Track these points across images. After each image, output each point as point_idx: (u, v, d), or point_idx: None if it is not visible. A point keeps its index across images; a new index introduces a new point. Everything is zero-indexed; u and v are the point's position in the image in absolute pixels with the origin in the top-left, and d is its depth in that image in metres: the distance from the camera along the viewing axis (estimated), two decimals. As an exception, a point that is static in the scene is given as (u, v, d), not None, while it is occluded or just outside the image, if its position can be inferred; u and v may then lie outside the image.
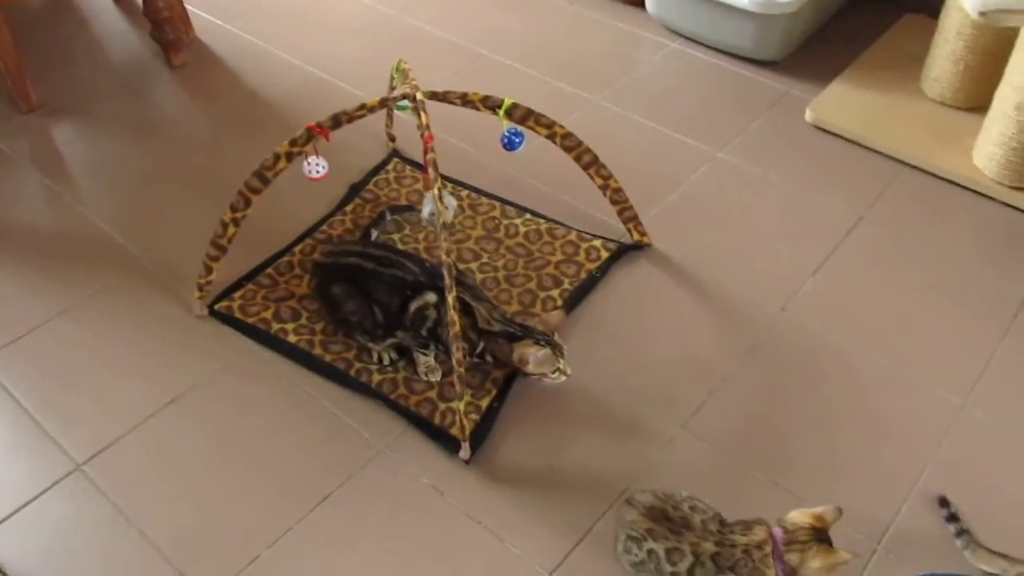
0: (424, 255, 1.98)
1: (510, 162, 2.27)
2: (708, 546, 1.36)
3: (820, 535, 1.33)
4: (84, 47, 2.78)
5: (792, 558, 1.31)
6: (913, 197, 2.20)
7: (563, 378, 1.67)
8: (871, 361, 1.82)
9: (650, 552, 1.39)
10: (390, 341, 1.77)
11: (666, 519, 1.41)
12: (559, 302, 1.91)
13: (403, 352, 1.80)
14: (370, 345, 1.80)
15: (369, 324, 1.76)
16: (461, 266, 1.99)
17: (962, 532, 1.50)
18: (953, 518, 1.53)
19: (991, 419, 1.72)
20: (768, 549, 1.34)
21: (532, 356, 1.62)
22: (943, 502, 1.56)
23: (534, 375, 1.65)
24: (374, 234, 2.01)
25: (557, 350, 1.65)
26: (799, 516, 1.35)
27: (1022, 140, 2.08)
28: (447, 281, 1.54)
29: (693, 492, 1.58)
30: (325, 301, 1.84)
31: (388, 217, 2.07)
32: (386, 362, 1.80)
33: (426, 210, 1.78)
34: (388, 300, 1.73)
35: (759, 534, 1.36)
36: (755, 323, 1.90)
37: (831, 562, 1.30)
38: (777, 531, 1.35)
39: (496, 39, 2.76)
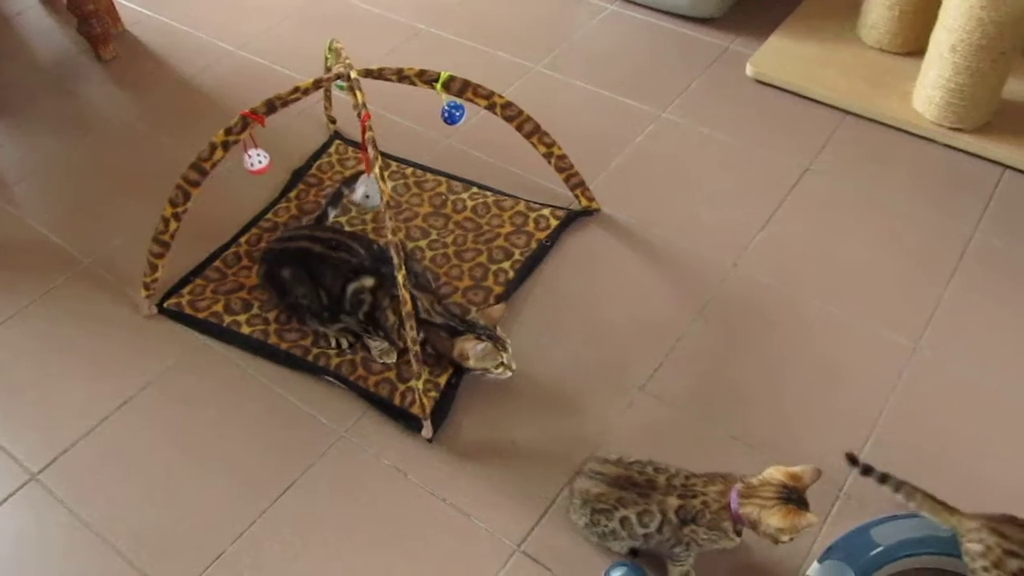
0: (372, 236, 1.96)
1: (454, 136, 2.25)
2: (672, 501, 1.37)
3: (790, 493, 1.31)
4: (8, 46, 2.70)
5: (750, 512, 1.32)
6: (856, 145, 2.22)
7: (508, 373, 1.66)
8: (823, 310, 1.84)
9: (623, 520, 1.39)
10: (339, 325, 1.76)
11: (633, 485, 1.41)
12: (511, 274, 1.90)
13: (359, 336, 1.79)
14: (324, 330, 1.78)
15: (316, 307, 1.74)
16: (410, 244, 1.97)
17: (900, 485, 1.43)
18: (881, 477, 1.43)
19: (942, 360, 1.75)
20: (725, 501, 1.35)
21: (473, 350, 1.61)
22: (852, 460, 1.44)
23: (476, 370, 1.64)
24: (332, 213, 1.98)
25: (499, 344, 1.64)
26: (773, 472, 1.34)
27: (959, 82, 2.10)
28: (395, 260, 1.53)
29: (655, 454, 1.59)
30: (275, 286, 1.81)
31: (344, 192, 2.04)
32: (344, 346, 1.78)
33: (359, 192, 1.76)
34: (332, 284, 1.72)
35: (719, 486, 1.37)
36: (707, 281, 1.91)
37: (792, 523, 1.28)
38: (737, 486, 1.35)
39: (433, 13, 2.72)
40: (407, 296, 1.53)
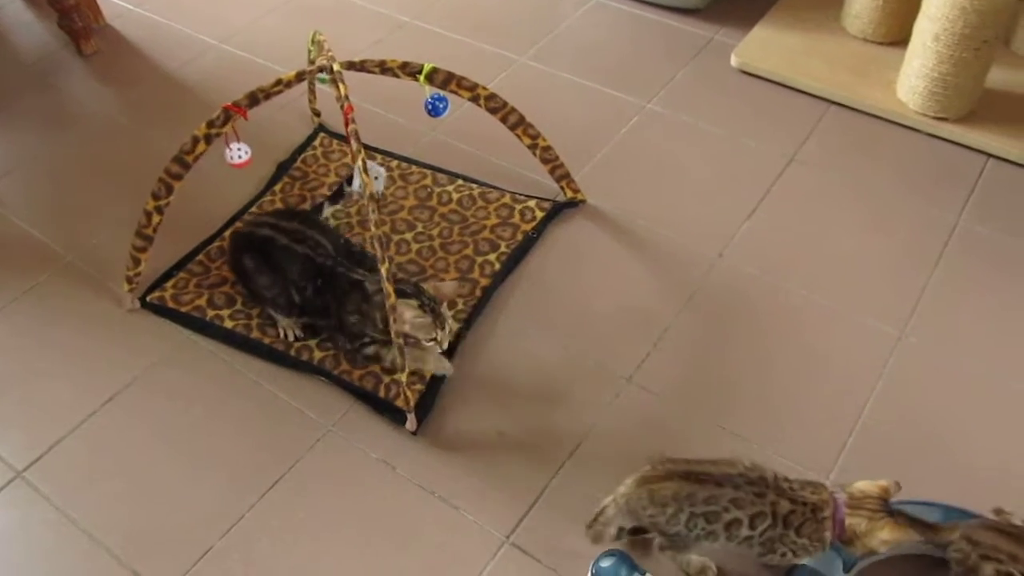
0: (358, 228, 1.96)
1: (439, 128, 2.24)
2: (785, 504, 1.31)
3: (887, 507, 1.30)
4: (-11, 41, 2.68)
5: (856, 523, 1.29)
6: (841, 134, 2.22)
7: (439, 349, 1.66)
8: (809, 299, 1.84)
9: (731, 523, 1.32)
10: (302, 320, 1.77)
11: (749, 483, 1.34)
12: (497, 266, 1.89)
13: (309, 329, 1.78)
14: (277, 317, 1.78)
15: (283, 302, 1.75)
16: (395, 237, 1.96)
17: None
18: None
19: (928, 348, 1.75)
20: (829, 512, 1.31)
21: (410, 318, 1.58)
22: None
23: (409, 337, 1.61)
24: (327, 209, 1.96)
25: (438, 321, 1.63)
26: (867, 485, 1.32)
27: (942, 71, 2.11)
28: (379, 254, 1.52)
29: (643, 444, 1.60)
30: (237, 272, 1.82)
31: (347, 190, 2.03)
32: (291, 338, 1.78)
33: (356, 183, 1.76)
34: (303, 284, 1.72)
35: (823, 495, 1.33)
36: (694, 271, 1.91)
37: (899, 536, 1.28)
38: (840, 496, 1.32)
39: (418, 5, 2.71)
40: (390, 289, 1.53)
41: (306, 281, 1.72)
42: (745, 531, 1.33)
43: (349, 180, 2.04)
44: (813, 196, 2.06)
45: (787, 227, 1.99)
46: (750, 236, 1.97)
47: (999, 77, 2.25)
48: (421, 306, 1.62)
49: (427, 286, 1.68)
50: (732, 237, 1.97)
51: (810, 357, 1.75)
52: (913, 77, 2.18)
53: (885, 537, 1.29)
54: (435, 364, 1.68)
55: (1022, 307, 1.82)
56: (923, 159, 2.16)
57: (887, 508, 1.31)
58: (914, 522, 1.35)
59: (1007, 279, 1.87)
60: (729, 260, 1.93)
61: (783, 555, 1.34)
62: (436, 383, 1.70)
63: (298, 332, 1.78)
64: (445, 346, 1.67)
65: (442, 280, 1.85)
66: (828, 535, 1.31)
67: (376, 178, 1.85)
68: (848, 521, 1.30)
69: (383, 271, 1.52)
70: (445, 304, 1.68)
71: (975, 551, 1.32)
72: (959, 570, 1.34)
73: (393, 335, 1.55)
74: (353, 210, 2.02)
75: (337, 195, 1.99)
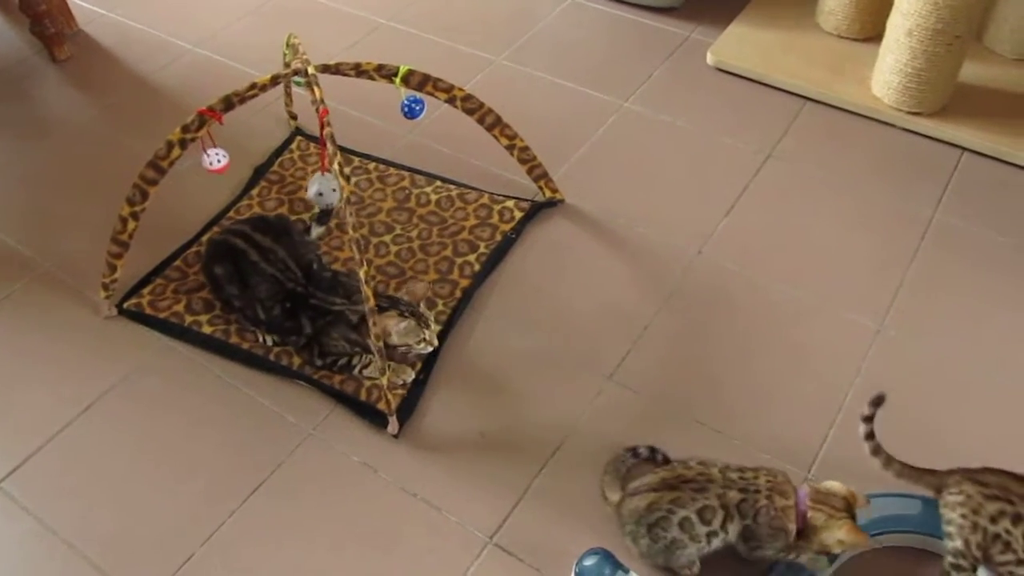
0: (337, 232, 1.95)
1: (416, 130, 2.24)
2: (733, 494, 1.34)
3: (850, 510, 1.31)
4: (-40, 49, 2.65)
5: (816, 516, 1.30)
6: (817, 130, 2.24)
7: (429, 348, 1.67)
8: (788, 294, 1.85)
9: (683, 522, 1.34)
10: (270, 336, 1.77)
11: (685, 482, 1.37)
12: (477, 267, 1.89)
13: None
14: (251, 327, 1.78)
15: (251, 315, 1.75)
16: (374, 240, 1.96)
17: (878, 450, 1.48)
18: (869, 434, 1.46)
19: (907, 340, 1.76)
20: (792, 501, 1.33)
21: (395, 328, 1.61)
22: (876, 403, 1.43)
23: (400, 347, 1.64)
24: (316, 231, 1.94)
25: (422, 321, 1.64)
26: (835, 485, 1.33)
27: (916, 66, 2.12)
28: (357, 257, 1.51)
29: (625, 441, 1.60)
30: (209, 279, 1.81)
31: (305, 197, 2.02)
32: (269, 343, 1.77)
33: (311, 190, 1.76)
34: (270, 304, 1.72)
35: (782, 481, 1.35)
36: (673, 269, 1.91)
37: (855, 540, 1.29)
38: (803, 489, 1.34)
39: (393, 7, 2.70)
40: (369, 293, 1.52)
41: (273, 302, 1.72)
42: (702, 527, 1.34)
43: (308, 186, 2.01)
44: (790, 192, 2.07)
45: (765, 223, 2.00)
46: (729, 232, 1.98)
47: (972, 72, 2.27)
48: (401, 313, 1.61)
49: (400, 293, 1.68)
50: (711, 234, 1.98)
51: (790, 352, 1.75)
52: (887, 72, 2.19)
53: (841, 537, 1.30)
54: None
55: (998, 299, 1.84)
56: (898, 153, 2.17)
57: (850, 511, 1.32)
58: (910, 468, 1.37)
59: (983, 271, 1.89)
60: (708, 257, 1.93)
61: (754, 548, 1.35)
62: (417, 386, 1.69)
63: (275, 338, 1.77)
64: (435, 342, 1.67)
65: (412, 280, 1.84)
66: (792, 526, 1.32)
67: (333, 190, 1.83)
68: (811, 513, 1.32)
69: (361, 274, 1.51)
70: (422, 304, 1.67)
71: (981, 491, 1.31)
72: (960, 511, 1.32)
73: (373, 339, 1.55)
74: (333, 223, 2.01)
75: (326, 215, 1.97)
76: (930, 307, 1.82)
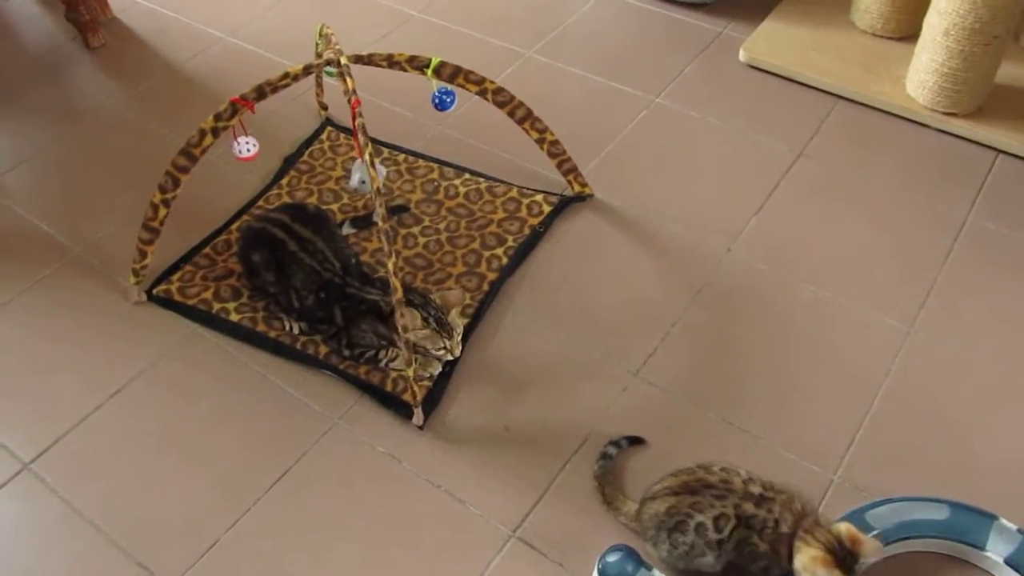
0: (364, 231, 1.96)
1: (446, 122, 2.24)
2: (748, 507, 1.32)
3: (843, 551, 1.26)
4: (-4, 34, 2.68)
5: (797, 544, 1.28)
6: (849, 129, 2.21)
7: (449, 357, 1.66)
8: (817, 294, 1.84)
9: (699, 527, 1.33)
10: (300, 324, 1.78)
11: (707, 487, 1.35)
12: (504, 260, 1.89)
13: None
14: (281, 315, 1.79)
15: (284, 302, 1.75)
16: (402, 231, 1.96)
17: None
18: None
19: (936, 343, 1.74)
20: (794, 530, 1.30)
21: (413, 332, 1.60)
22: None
23: (419, 347, 1.63)
24: (349, 229, 1.95)
25: (445, 331, 1.63)
26: (841, 526, 1.29)
27: (952, 66, 2.10)
28: (386, 248, 1.52)
29: (650, 439, 1.59)
30: (245, 265, 1.82)
31: (345, 186, 2.03)
32: (296, 331, 1.78)
33: (355, 178, 1.76)
34: (304, 293, 1.72)
35: (797, 509, 1.32)
36: (702, 266, 1.90)
37: (816, 569, 1.25)
38: (808, 521, 1.31)
39: (424, -2, 2.71)
40: (397, 284, 1.52)
41: (308, 291, 1.72)
42: (714, 534, 1.33)
43: (349, 175, 2.01)
44: (821, 191, 2.05)
45: (796, 222, 1.98)
46: (758, 231, 1.97)
47: (1009, 72, 2.24)
48: (425, 318, 1.61)
49: (434, 295, 1.68)
50: (740, 232, 1.96)
51: (818, 352, 1.74)
52: (923, 72, 2.17)
53: (803, 560, 1.27)
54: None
55: (1032, 303, 1.81)
56: (932, 155, 2.14)
57: (836, 549, 1.27)
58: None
59: (1016, 276, 1.86)
60: (737, 255, 1.92)
61: (765, 569, 1.33)
62: (443, 378, 1.69)
63: (303, 326, 1.77)
64: (457, 352, 1.66)
65: (443, 282, 1.84)
66: (784, 551, 1.30)
67: (363, 182, 1.83)
68: (796, 540, 1.29)
69: (390, 265, 1.51)
70: (453, 312, 1.67)
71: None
72: None
73: (399, 329, 1.55)
74: (360, 203, 2.01)
75: (364, 221, 1.97)
76: (961, 310, 1.80)
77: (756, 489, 1.34)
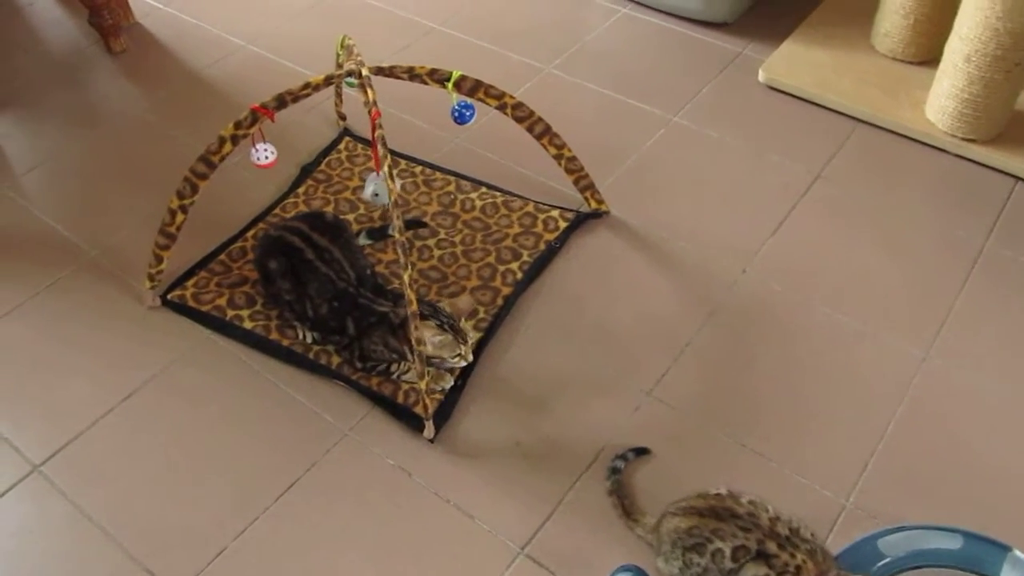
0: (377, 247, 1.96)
1: (464, 136, 2.24)
2: (772, 546, 1.30)
3: None
4: (19, 37, 2.69)
5: None
6: (868, 153, 2.21)
7: (463, 363, 1.66)
8: (833, 318, 1.83)
9: (715, 553, 1.32)
10: (313, 333, 1.78)
11: (733, 516, 1.33)
12: (519, 275, 1.89)
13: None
14: (295, 323, 1.79)
15: (299, 310, 1.75)
16: (418, 243, 1.96)
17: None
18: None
19: (952, 370, 1.73)
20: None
21: (430, 340, 1.60)
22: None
23: (434, 358, 1.63)
24: (365, 241, 1.95)
25: (459, 337, 1.63)
26: None
27: (973, 92, 2.09)
28: (402, 260, 1.52)
29: (661, 459, 1.59)
30: (261, 272, 1.82)
31: (361, 196, 2.03)
32: (309, 340, 1.78)
33: (368, 190, 1.76)
34: (318, 302, 1.72)
35: (819, 560, 1.30)
36: (717, 286, 1.89)
37: None
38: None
39: (445, 11, 2.71)
40: (412, 296, 1.52)
41: (322, 300, 1.72)
42: (730, 563, 1.31)
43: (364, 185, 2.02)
44: (839, 214, 2.05)
45: (812, 244, 1.98)
46: (774, 252, 1.96)
47: (1030, 100, 2.23)
48: (440, 325, 1.61)
49: (443, 303, 1.67)
50: (756, 253, 1.96)
51: (833, 376, 1.73)
52: (943, 97, 2.16)
53: None
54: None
55: (1049, 333, 1.80)
56: (950, 180, 2.13)
57: None
58: None
59: (1034, 304, 1.85)
60: (753, 276, 1.91)
61: None
62: (455, 391, 1.69)
63: (316, 336, 1.77)
64: (470, 358, 1.66)
65: (457, 295, 1.84)
66: None
67: (376, 195, 1.83)
68: None
69: (406, 278, 1.51)
70: (463, 318, 1.67)
71: None
72: None
73: (414, 342, 1.54)
74: (376, 214, 2.02)
75: (380, 232, 1.97)
76: (977, 338, 1.79)
77: (783, 530, 1.31)
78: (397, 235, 1.53)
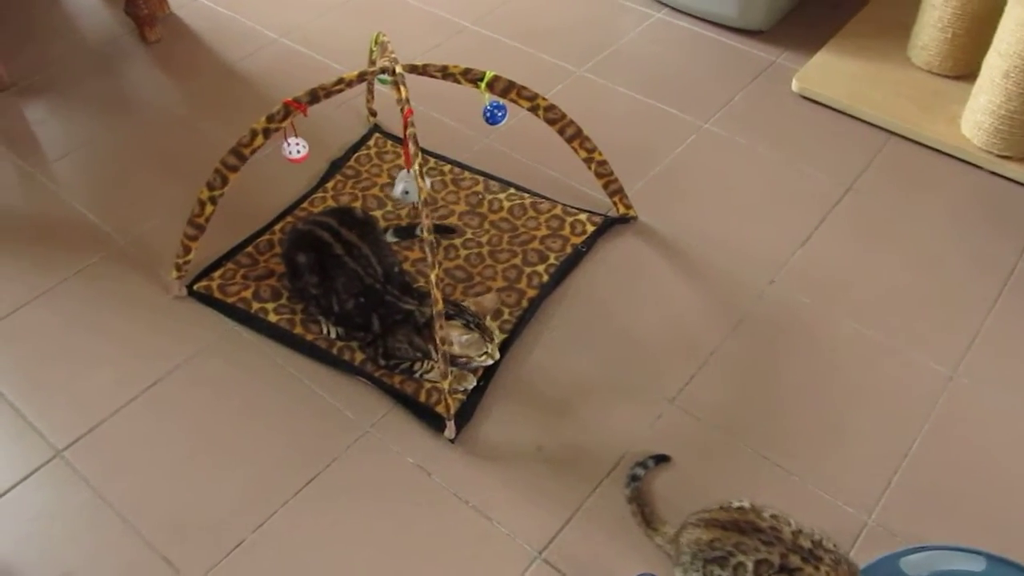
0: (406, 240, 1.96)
1: (493, 136, 2.24)
2: (795, 559, 1.28)
3: None
4: (56, 24, 2.71)
5: None
6: (900, 167, 2.18)
7: (490, 361, 1.66)
8: (860, 333, 1.81)
9: (737, 567, 1.30)
10: (337, 328, 1.78)
11: (756, 530, 1.32)
12: (545, 277, 1.88)
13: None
14: (320, 317, 1.79)
15: (325, 304, 1.75)
16: (444, 242, 1.96)
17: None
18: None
19: (980, 389, 1.71)
20: None
21: (457, 339, 1.60)
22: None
23: (460, 357, 1.63)
24: (391, 236, 1.95)
25: (486, 335, 1.63)
26: None
27: (1010, 108, 2.06)
28: (429, 259, 1.51)
29: (683, 468, 1.57)
30: (289, 266, 1.82)
31: (390, 194, 2.03)
32: (333, 336, 1.78)
33: (399, 188, 1.76)
34: (345, 297, 1.72)
35: (843, 571, 1.29)
36: (743, 296, 1.88)
37: None
38: None
39: (478, 11, 2.71)
40: (438, 296, 1.52)
41: (349, 295, 1.72)
42: None
43: (394, 183, 2.02)
44: (869, 227, 2.03)
45: (841, 257, 1.96)
46: (803, 264, 1.94)
47: (1068, 118, 2.20)
48: (466, 325, 1.61)
49: (468, 302, 1.67)
50: (784, 264, 1.94)
51: (858, 391, 1.71)
52: (979, 113, 2.13)
53: None
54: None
55: (1080, 355, 1.77)
56: (984, 197, 2.11)
57: None
58: None
59: (1066, 325, 1.83)
60: (780, 287, 1.90)
61: None
62: (477, 392, 1.69)
63: (340, 331, 1.77)
64: (497, 356, 1.66)
65: (482, 294, 1.83)
66: None
67: (407, 192, 1.83)
68: None
69: (432, 277, 1.51)
70: (487, 316, 1.66)
71: None
72: None
73: (439, 341, 1.54)
74: (404, 212, 2.02)
75: (407, 231, 1.97)
76: (1007, 358, 1.76)
77: (806, 543, 1.30)
78: (425, 234, 1.53)
